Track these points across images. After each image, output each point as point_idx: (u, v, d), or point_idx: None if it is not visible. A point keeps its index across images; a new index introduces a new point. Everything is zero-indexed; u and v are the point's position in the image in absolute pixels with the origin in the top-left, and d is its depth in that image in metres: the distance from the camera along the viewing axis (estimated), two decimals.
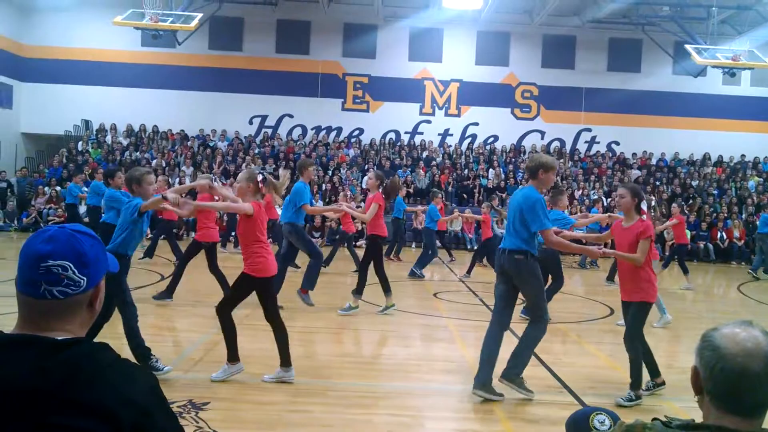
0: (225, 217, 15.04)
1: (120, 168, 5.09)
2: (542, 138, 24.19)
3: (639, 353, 5.05)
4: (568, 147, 24.23)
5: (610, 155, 23.93)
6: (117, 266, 1.46)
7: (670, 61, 23.47)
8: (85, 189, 13.34)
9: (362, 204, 12.00)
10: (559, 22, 22.98)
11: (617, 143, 24.26)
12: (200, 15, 18.25)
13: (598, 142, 24.36)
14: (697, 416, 1.46)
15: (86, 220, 12.67)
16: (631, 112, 23.93)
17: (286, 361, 5.12)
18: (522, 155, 23.14)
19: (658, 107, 23.90)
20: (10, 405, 1.16)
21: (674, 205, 12.56)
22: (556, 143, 24.20)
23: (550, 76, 24.04)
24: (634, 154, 23.69)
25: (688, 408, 4.70)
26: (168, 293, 8.28)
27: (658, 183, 21.93)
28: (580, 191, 21.08)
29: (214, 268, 8.30)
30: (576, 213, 18.75)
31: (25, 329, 1.28)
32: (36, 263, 1.27)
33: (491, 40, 23.87)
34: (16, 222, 18.51)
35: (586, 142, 24.43)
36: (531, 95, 24.23)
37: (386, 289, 8.28)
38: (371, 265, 8.24)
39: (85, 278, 1.31)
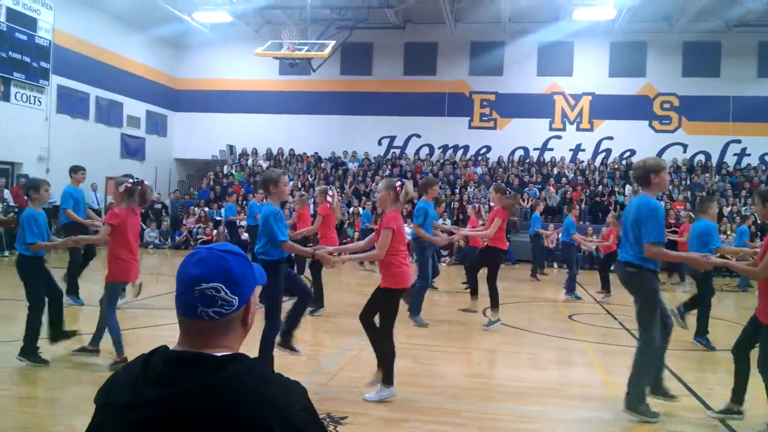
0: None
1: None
2: (684, 151, 22.69)
3: None
4: (714, 160, 22.53)
5: (764, 168, 21.92)
6: (265, 279, 1.50)
7: None
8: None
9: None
10: (701, 27, 21.53)
11: None
12: (333, 42, 19.06)
13: (749, 154, 22.40)
14: None
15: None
16: None
17: (388, 378, 5.11)
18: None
19: None
20: (178, 424, 1.22)
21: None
22: (701, 156, 22.59)
23: (692, 86, 22.55)
24: None
25: None
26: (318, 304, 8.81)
27: None
28: (729, 207, 19.49)
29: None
30: (726, 231, 17.43)
31: (186, 346, 1.35)
32: (191, 287, 1.33)
33: (626, 51, 22.85)
34: (170, 240, 20.20)
35: (735, 154, 22.57)
36: (671, 106, 22.85)
37: (494, 303, 8.30)
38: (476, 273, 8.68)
39: (236, 297, 1.35)
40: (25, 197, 6.22)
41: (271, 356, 5.31)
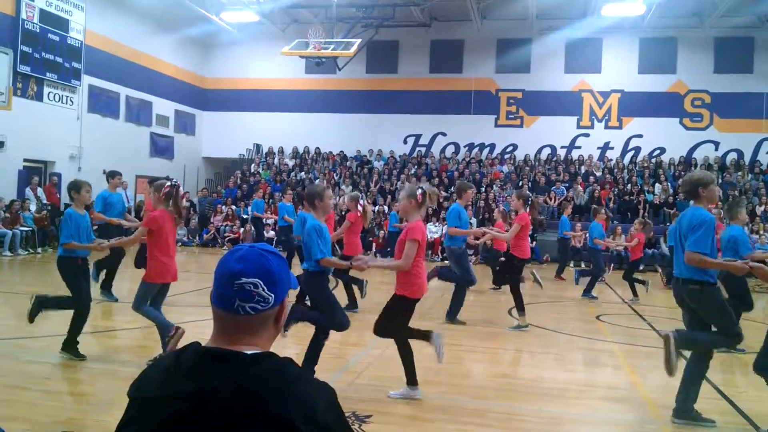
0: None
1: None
2: (716, 149, 22.24)
3: None
4: (746, 158, 22.05)
5: None
6: (297, 284, 1.55)
7: None
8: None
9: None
10: (733, 22, 21.08)
11: None
12: (359, 41, 19.10)
13: None
14: None
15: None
16: None
17: (412, 379, 5.11)
18: (693, 168, 21.41)
19: None
20: (207, 418, 1.24)
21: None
22: (733, 154, 22.13)
23: (724, 82, 22.09)
24: None
25: None
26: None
27: None
28: (763, 207, 19.06)
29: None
30: (759, 232, 17.12)
31: (218, 342, 1.37)
32: (230, 281, 1.36)
33: (656, 47, 22.48)
34: (197, 238, 20.43)
35: None
36: (702, 103, 22.42)
37: (520, 307, 8.25)
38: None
39: (273, 295, 1.38)
40: (69, 197, 6.31)
41: (319, 351, 5.30)
